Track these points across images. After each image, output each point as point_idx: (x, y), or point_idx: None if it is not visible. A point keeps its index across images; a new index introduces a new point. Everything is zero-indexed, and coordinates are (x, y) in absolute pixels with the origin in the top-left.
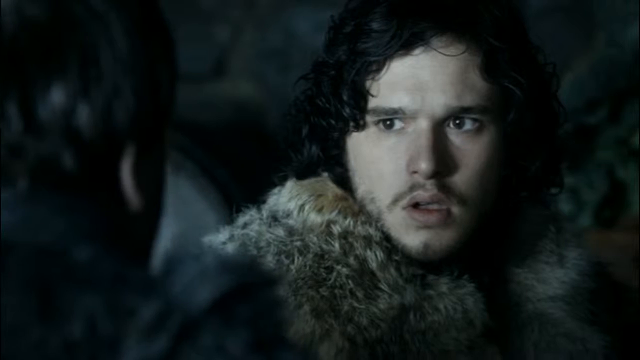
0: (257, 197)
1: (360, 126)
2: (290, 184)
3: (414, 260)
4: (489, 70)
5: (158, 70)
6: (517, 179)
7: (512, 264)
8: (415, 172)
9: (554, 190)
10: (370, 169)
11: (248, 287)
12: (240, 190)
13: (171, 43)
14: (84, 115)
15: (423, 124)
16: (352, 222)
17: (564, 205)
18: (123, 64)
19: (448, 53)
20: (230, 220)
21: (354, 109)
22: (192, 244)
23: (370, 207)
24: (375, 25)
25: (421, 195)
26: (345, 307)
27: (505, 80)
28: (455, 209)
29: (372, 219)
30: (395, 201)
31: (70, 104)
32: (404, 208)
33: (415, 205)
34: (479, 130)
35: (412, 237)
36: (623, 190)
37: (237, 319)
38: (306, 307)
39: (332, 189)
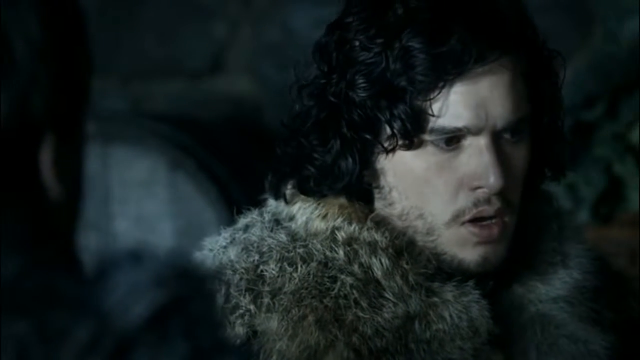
0: (255, 194)
1: (414, 144)
2: (291, 190)
3: (423, 266)
4: (532, 77)
5: (74, 56)
6: (532, 176)
7: (516, 265)
8: (478, 187)
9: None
10: (421, 186)
11: (182, 299)
12: (239, 186)
13: (85, 28)
14: None
15: (483, 140)
16: (357, 228)
17: (562, 202)
18: (37, 50)
19: (504, 65)
20: (229, 217)
21: (413, 129)
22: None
23: (415, 223)
24: (426, 46)
25: (487, 210)
26: (350, 317)
27: (544, 85)
28: (508, 219)
29: (381, 227)
30: (455, 217)
31: None
32: (463, 224)
33: (475, 220)
34: (523, 137)
35: (471, 252)
36: (620, 186)
37: (172, 332)
38: (310, 318)
39: (338, 199)
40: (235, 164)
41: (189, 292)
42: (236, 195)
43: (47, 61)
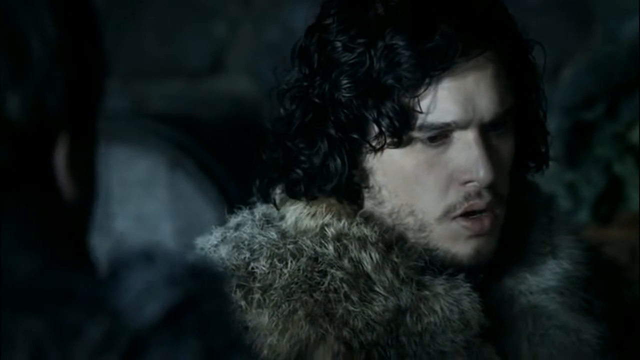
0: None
1: (402, 142)
2: (280, 195)
3: (414, 260)
4: (515, 69)
5: (88, 55)
6: (516, 168)
7: (506, 257)
8: (469, 181)
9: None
10: (412, 183)
11: (195, 298)
12: (239, 186)
13: (98, 29)
14: (14, 105)
15: (471, 134)
16: (346, 224)
17: (562, 201)
18: (53, 50)
19: (489, 58)
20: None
21: (402, 127)
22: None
23: (406, 220)
24: (411, 43)
25: (478, 204)
26: (340, 311)
27: (525, 76)
28: (498, 211)
29: (370, 222)
30: (447, 212)
31: (0, 95)
32: (454, 218)
33: (467, 214)
34: (508, 129)
35: (463, 245)
36: (620, 185)
37: (185, 330)
38: (300, 313)
39: (327, 199)
40: (235, 163)
41: (202, 291)
42: (236, 195)
43: (62, 61)
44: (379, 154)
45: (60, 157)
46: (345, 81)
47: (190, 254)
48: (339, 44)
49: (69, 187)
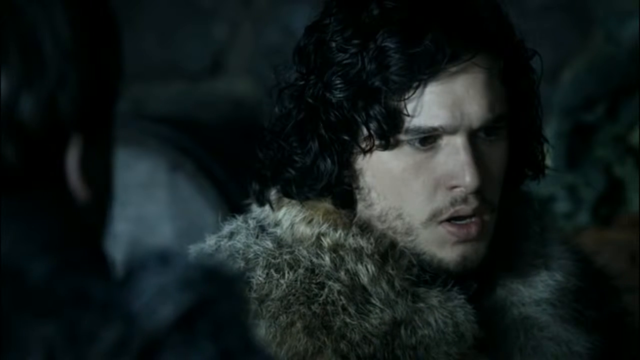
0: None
1: (390, 145)
2: (276, 195)
3: (409, 272)
4: (509, 76)
5: (103, 57)
6: (512, 176)
7: (498, 268)
8: (455, 187)
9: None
10: (399, 186)
11: (209, 301)
12: (239, 188)
13: (116, 28)
14: (27, 106)
15: (460, 139)
16: (342, 235)
17: (562, 204)
18: (66, 51)
19: (480, 64)
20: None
21: (389, 129)
22: (149, 251)
23: (394, 224)
24: (401, 46)
25: (464, 209)
26: (338, 323)
27: (521, 83)
28: (487, 217)
29: (365, 233)
30: (433, 217)
31: (13, 96)
32: (440, 223)
33: (453, 219)
34: (500, 136)
35: (449, 251)
36: (621, 187)
37: (199, 334)
38: (298, 325)
39: (322, 203)
40: (235, 165)
41: (216, 294)
42: (236, 197)
43: (75, 62)
44: (368, 155)
45: (73, 159)
46: (337, 82)
47: (206, 257)
48: (334, 44)
49: (82, 189)
